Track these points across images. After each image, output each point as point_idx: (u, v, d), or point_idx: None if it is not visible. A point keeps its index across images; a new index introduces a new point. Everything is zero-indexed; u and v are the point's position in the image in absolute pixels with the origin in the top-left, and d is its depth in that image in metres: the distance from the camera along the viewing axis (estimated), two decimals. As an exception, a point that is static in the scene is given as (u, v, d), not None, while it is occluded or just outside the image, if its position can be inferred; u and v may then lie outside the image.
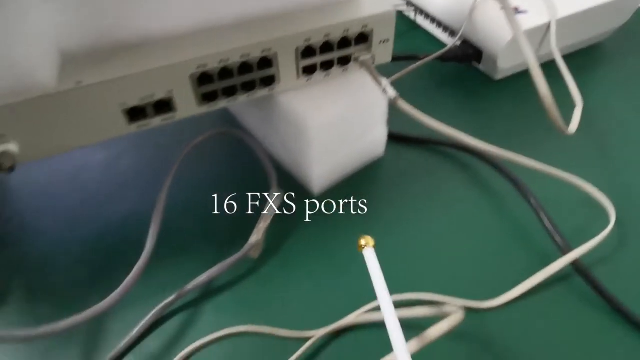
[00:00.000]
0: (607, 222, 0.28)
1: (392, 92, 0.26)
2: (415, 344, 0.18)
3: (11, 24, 0.20)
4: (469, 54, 0.39)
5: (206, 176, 0.31)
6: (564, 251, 0.26)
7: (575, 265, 0.25)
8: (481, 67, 0.40)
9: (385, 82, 0.26)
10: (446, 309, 0.19)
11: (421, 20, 0.46)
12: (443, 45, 0.43)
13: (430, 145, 0.34)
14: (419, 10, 0.46)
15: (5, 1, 0.20)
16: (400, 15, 0.48)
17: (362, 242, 0.19)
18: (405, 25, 0.47)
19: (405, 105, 0.26)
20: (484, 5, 0.38)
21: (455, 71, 0.41)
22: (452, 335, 0.23)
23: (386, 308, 0.17)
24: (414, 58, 0.40)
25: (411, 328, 0.23)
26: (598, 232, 0.27)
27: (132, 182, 0.31)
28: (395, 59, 0.39)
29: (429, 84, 0.40)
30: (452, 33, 0.42)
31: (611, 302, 0.24)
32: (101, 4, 0.23)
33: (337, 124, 0.28)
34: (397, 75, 0.37)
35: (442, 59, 0.39)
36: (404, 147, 0.34)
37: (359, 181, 0.32)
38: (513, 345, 0.23)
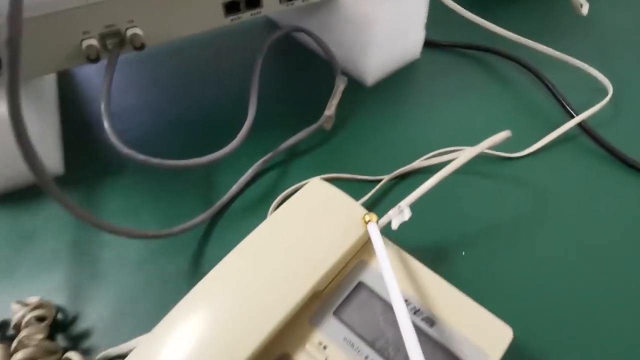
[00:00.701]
0: (606, 95, 0.35)
1: None
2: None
3: None
4: None
5: (283, 66, 0.38)
6: (573, 116, 0.33)
7: (581, 125, 0.33)
8: None
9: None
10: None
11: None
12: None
13: (458, 49, 0.40)
14: None
15: None
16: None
17: (367, 217, 0.21)
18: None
19: (450, 1, 0.32)
20: None
21: None
22: (489, 175, 0.31)
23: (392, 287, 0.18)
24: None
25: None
26: (597, 102, 0.34)
27: (228, 72, 0.37)
28: None
29: None
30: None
31: (609, 150, 0.31)
32: None
33: (389, 21, 0.34)
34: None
35: None
36: (437, 51, 0.40)
37: (399, 77, 0.38)
38: (537, 182, 0.30)
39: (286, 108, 0.35)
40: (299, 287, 0.19)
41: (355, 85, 0.37)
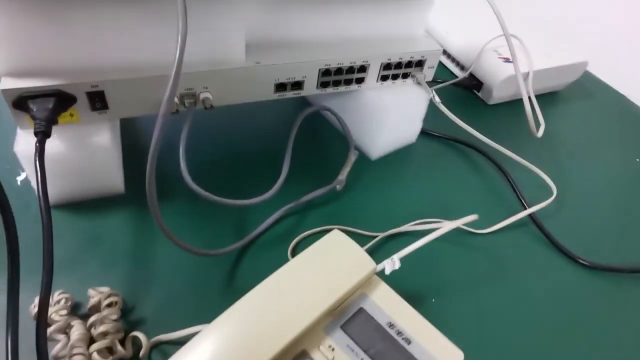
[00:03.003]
0: (552, 194, 0.45)
1: (437, 99, 0.42)
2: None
3: (226, 23, 0.35)
4: (473, 84, 0.57)
5: (310, 135, 0.47)
6: (525, 207, 0.43)
7: (531, 216, 0.43)
8: (480, 94, 0.58)
9: (432, 91, 0.43)
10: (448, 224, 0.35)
11: (438, 55, 0.63)
12: (451, 73, 0.61)
13: (446, 139, 0.51)
14: (438, 48, 0.63)
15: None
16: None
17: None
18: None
19: (443, 108, 0.42)
20: (487, 52, 0.56)
21: (462, 95, 0.58)
22: (459, 244, 0.40)
23: None
24: (434, 81, 0.56)
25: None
26: (545, 199, 0.44)
27: (272, 135, 0.47)
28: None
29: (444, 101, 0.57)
30: (461, 67, 0.60)
31: (549, 237, 0.41)
32: (275, 23, 0.38)
33: (397, 116, 0.44)
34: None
35: (455, 84, 0.56)
36: (429, 138, 0.50)
37: (398, 155, 0.48)
38: (494, 254, 0.40)
39: (309, 169, 0.44)
40: (319, 305, 0.27)
41: (363, 156, 0.47)
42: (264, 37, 0.39)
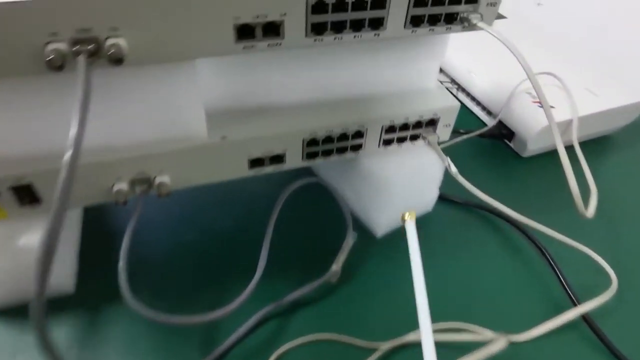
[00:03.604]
0: (609, 285, 0.35)
1: (454, 169, 0.34)
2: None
3: (179, 96, 0.28)
4: (503, 134, 0.48)
5: (299, 213, 0.39)
6: (575, 303, 0.33)
7: (584, 317, 0.33)
8: (512, 144, 0.49)
9: (448, 160, 0.34)
10: (487, 334, 0.26)
11: (462, 97, 0.55)
12: (478, 119, 0.52)
13: (471, 207, 0.42)
14: (462, 89, 0.54)
15: (175, 77, 0.27)
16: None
17: (406, 215, 0.24)
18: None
19: (462, 179, 0.34)
20: (519, 96, 0.47)
21: (489, 145, 0.49)
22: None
23: (418, 278, 0.23)
24: (456, 132, 0.48)
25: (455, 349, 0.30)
26: (601, 292, 0.34)
27: (245, 219, 0.39)
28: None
29: (467, 154, 0.48)
30: (488, 112, 0.51)
31: (609, 347, 0.31)
32: (244, 88, 0.31)
33: (404, 187, 0.36)
34: (442, 146, 0.45)
35: (480, 135, 0.48)
36: (449, 205, 0.42)
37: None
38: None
39: (295, 257, 0.36)
40: None
41: (365, 233, 0.38)
42: (231, 104, 0.32)
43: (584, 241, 0.37)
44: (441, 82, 0.37)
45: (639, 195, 0.45)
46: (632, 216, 0.42)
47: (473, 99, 0.53)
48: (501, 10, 0.77)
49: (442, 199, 0.42)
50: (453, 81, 0.55)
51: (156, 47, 0.24)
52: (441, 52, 0.35)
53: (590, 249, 0.36)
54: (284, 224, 0.37)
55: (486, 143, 0.49)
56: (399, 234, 0.39)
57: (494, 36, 0.27)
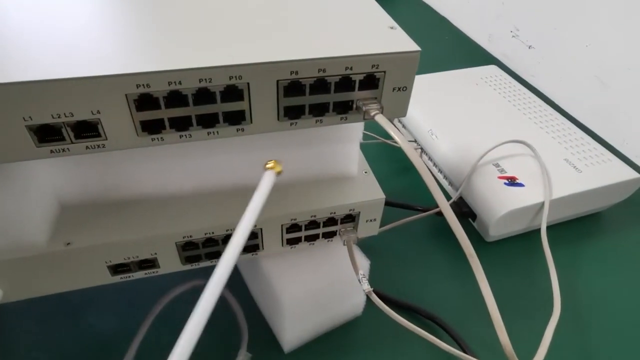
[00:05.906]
0: None
1: (366, 286, 0.26)
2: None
3: (12, 201, 0.22)
4: (464, 212, 0.40)
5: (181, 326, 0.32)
6: None
7: None
8: (475, 225, 0.41)
9: (361, 272, 0.27)
10: None
11: (425, 160, 0.47)
12: (443, 189, 0.44)
13: (409, 311, 0.34)
14: (425, 152, 0.47)
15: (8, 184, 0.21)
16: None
17: (270, 164, 0.21)
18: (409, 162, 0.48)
19: (377, 300, 0.26)
20: (483, 168, 0.39)
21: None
22: None
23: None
24: (412, 208, 0.40)
25: None
26: None
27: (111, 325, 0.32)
28: (394, 204, 0.40)
29: (422, 233, 0.40)
30: (452, 183, 0.43)
31: None
32: (106, 178, 0.25)
33: (314, 297, 0.29)
34: (394, 224, 0.38)
35: (438, 213, 0.40)
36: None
37: (333, 341, 0.32)
38: None
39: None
40: None
41: (273, 344, 0.31)
42: (82, 201, 0.26)
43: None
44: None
45: (615, 299, 0.36)
46: (597, 327, 0.34)
47: (436, 165, 0.45)
48: (487, 51, 0.69)
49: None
50: (417, 142, 0.48)
51: None
52: (357, 130, 0.28)
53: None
54: (160, 337, 0.30)
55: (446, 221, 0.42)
56: (317, 349, 0.31)
57: (395, 139, 0.20)
